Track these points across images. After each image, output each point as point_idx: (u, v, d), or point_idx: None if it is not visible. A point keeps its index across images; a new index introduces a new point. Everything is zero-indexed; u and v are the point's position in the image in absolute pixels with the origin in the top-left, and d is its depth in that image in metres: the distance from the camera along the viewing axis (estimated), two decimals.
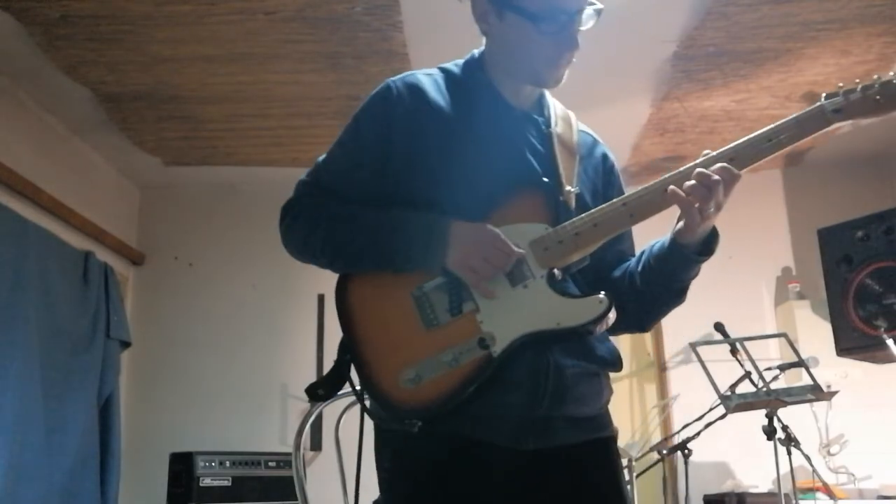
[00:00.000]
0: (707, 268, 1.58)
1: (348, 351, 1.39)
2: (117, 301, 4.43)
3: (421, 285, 1.37)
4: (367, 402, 1.43)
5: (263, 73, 3.69)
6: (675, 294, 1.46)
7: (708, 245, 1.39)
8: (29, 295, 3.61)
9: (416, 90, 1.47)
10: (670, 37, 3.50)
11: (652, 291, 1.45)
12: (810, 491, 3.80)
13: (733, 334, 3.56)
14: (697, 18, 3.36)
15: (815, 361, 3.59)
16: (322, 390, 1.41)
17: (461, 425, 1.34)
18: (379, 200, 1.43)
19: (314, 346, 4.66)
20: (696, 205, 1.31)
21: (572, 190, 1.44)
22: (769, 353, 4.15)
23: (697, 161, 1.36)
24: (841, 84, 1.31)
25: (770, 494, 3.94)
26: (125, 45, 3.44)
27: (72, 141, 4.31)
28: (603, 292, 1.34)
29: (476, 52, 1.55)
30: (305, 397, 1.45)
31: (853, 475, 4.32)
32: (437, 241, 1.35)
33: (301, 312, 4.74)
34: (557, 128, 1.52)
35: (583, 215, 1.37)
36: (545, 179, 1.42)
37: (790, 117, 1.32)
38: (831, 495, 3.73)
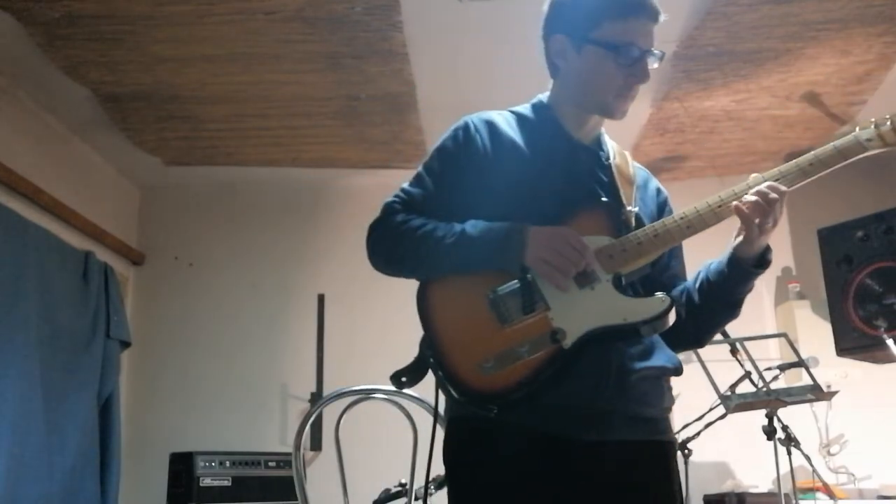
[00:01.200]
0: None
1: (430, 347, 1.52)
2: (117, 301, 4.43)
3: (495, 288, 1.51)
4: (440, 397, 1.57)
5: (263, 73, 3.69)
6: (731, 307, 1.63)
7: (763, 258, 1.56)
8: (29, 295, 3.61)
9: (490, 126, 1.66)
10: (670, 37, 3.50)
11: (709, 306, 1.61)
12: (810, 491, 3.80)
13: (733, 334, 3.56)
14: (697, 18, 3.36)
15: (815, 361, 3.59)
16: (406, 378, 1.55)
17: (528, 417, 1.46)
18: (455, 220, 1.58)
19: (314, 346, 4.66)
20: (757, 220, 1.49)
21: (632, 210, 1.61)
22: (769, 353, 4.15)
23: (748, 182, 1.53)
24: (872, 119, 1.49)
25: (770, 494, 3.94)
26: (125, 45, 3.44)
27: (72, 141, 4.31)
28: (662, 292, 1.51)
29: (541, 96, 1.74)
30: (305, 397, 1.51)
31: (853, 475, 4.32)
32: (516, 240, 1.50)
33: (301, 312, 4.74)
34: (616, 160, 1.70)
35: (644, 227, 1.56)
36: (604, 199, 1.60)
37: (829, 145, 1.51)
38: (831, 495, 3.73)
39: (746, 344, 3.44)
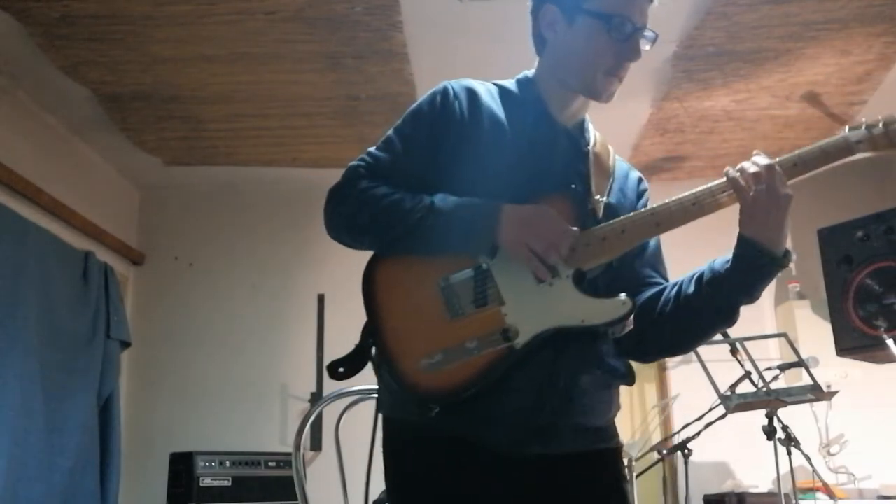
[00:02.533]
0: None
1: (371, 335, 1.43)
2: (117, 301, 4.43)
3: (448, 276, 1.41)
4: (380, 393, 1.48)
5: (263, 73, 3.69)
6: (727, 310, 1.43)
7: (780, 255, 1.39)
8: (29, 295, 3.61)
9: (471, 94, 1.54)
10: (670, 37, 3.50)
11: (704, 301, 1.42)
12: (810, 491, 3.80)
13: (733, 334, 3.56)
14: (697, 18, 3.36)
15: (815, 361, 3.58)
16: (343, 368, 1.44)
17: (467, 426, 1.36)
18: (423, 190, 1.46)
19: (314, 346, 4.66)
20: (744, 182, 1.35)
21: (601, 199, 1.50)
22: (769, 353, 4.15)
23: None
24: (864, 119, 1.38)
25: (770, 494, 3.94)
26: (125, 45, 3.44)
27: (72, 141, 4.31)
28: (625, 294, 1.38)
29: (528, 72, 1.63)
30: (305, 397, 1.48)
31: (853, 475, 4.33)
32: (489, 218, 1.38)
33: (301, 312, 4.74)
34: (595, 148, 1.59)
35: (611, 221, 1.43)
36: (572, 186, 1.48)
37: (815, 146, 1.39)
38: (831, 495, 3.73)
39: (746, 344, 3.44)
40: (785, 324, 4.55)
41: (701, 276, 1.44)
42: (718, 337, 3.62)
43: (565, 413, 1.39)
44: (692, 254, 1.88)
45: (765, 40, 3.52)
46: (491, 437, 1.36)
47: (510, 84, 1.61)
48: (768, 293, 4.76)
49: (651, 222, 1.41)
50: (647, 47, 1.53)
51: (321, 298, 4.71)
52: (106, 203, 4.64)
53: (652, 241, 1.57)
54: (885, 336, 3.26)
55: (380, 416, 1.51)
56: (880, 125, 1.36)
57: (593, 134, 1.63)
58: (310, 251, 4.90)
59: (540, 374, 1.36)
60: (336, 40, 3.43)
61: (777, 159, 1.39)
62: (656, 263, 1.59)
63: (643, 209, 1.45)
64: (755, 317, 4.63)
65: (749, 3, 3.24)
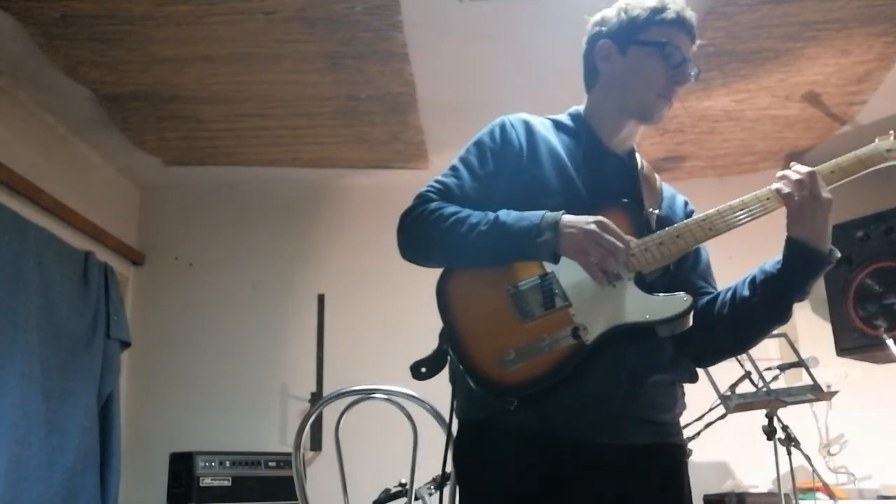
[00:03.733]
0: None
1: (449, 339, 1.52)
2: (117, 301, 4.43)
3: (515, 283, 1.53)
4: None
5: (263, 73, 3.69)
6: (781, 306, 1.55)
7: (827, 253, 1.52)
8: (29, 295, 3.61)
9: (527, 126, 1.69)
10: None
11: (758, 301, 1.55)
12: (810, 491, 3.80)
13: None
14: (697, 18, 3.35)
15: (815, 361, 3.59)
16: (425, 368, 1.55)
17: (540, 417, 1.47)
18: (487, 208, 1.58)
19: (314, 346, 4.66)
20: (787, 190, 1.50)
21: (653, 211, 1.65)
22: (769, 353, 4.14)
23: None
24: (892, 131, 1.56)
25: (770, 494, 3.94)
26: (125, 45, 3.44)
27: (72, 141, 4.31)
28: (684, 292, 1.51)
29: (578, 107, 1.78)
30: (305, 397, 1.52)
31: (853, 475, 4.32)
32: (550, 228, 1.49)
33: (301, 312, 4.74)
34: (643, 170, 1.74)
35: (667, 228, 1.57)
36: (625, 200, 1.61)
37: (851, 154, 1.57)
38: (831, 495, 3.73)
39: None
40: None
41: (754, 279, 1.57)
42: None
43: (631, 406, 1.49)
44: (734, 262, 1.98)
45: (765, 40, 3.52)
46: (562, 428, 1.47)
47: (562, 117, 1.76)
48: None
49: (704, 227, 1.54)
50: (692, 79, 1.68)
51: (321, 298, 4.71)
52: (106, 203, 4.64)
53: (703, 255, 1.73)
54: (885, 336, 3.27)
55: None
56: None
57: (641, 162, 1.77)
58: (310, 251, 4.90)
59: (608, 369, 1.47)
60: (336, 40, 3.43)
61: (816, 168, 1.54)
62: (707, 276, 1.73)
63: (696, 216, 1.58)
64: None
65: (749, 3, 3.24)
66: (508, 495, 1.48)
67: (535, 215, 1.52)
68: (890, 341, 3.22)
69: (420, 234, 1.61)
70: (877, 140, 1.56)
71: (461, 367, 1.49)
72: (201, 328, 4.80)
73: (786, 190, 1.50)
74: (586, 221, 1.49)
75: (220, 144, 4.48)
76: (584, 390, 1.45)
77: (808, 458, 3.40)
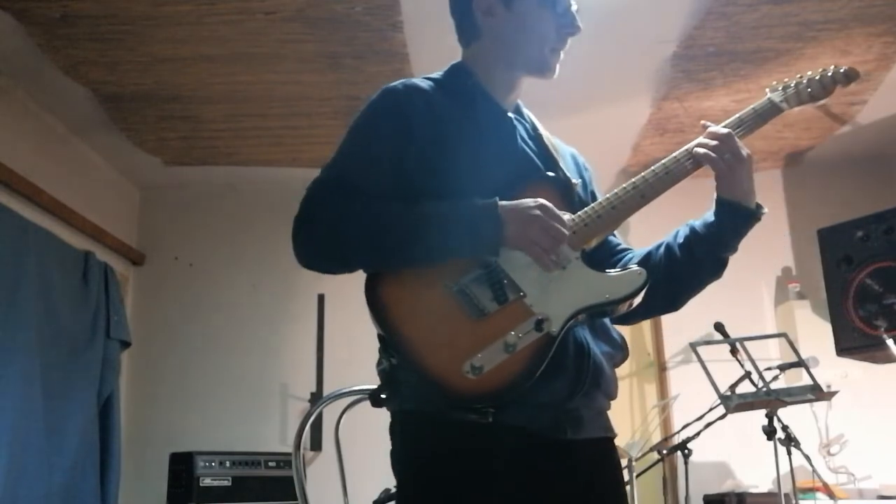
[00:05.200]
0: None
1: (398, 354, 1.36)
2: (117, 301, 4.43)
3: (457, 279, 1.37)
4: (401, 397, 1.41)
5: (263, 73, 3.69)
6: (717, 263, 1.53)
7: (755, 209, 1.51)
8: (29, 295, 3.61)
9: (419, 91, 1.52)
10: (670, 37, 3.50)
11: (694, 261, 1.52)
12: (810, 491, 3.80)
13: (733, 334, 3.56)
14: (697, 18, 3.36)
15: (815, 361, 3.59)
16: (384, 393, 1.42)
17: (507, 415, 1.35)
18: (397, 198, 1.42)
19: (314, 346, 4.66)
20: (714, 154, 1.48)
21: (576, 181, 1.55)
22: (769, 353, 4.15)
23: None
24: (775, 82, 1.65)
25: (770, 494, 3.94)
26: (125, 45, 3.43)
27: (72, 141, 4.31)
28: (636, 265, 1.46)
29: (456, 61, 1.65)
30: (305, 397, 1.47)
31: (853, 475, 4.32)
32: (490, 220, 1.36)
33: (301, 312, 4.74)
34: (541, 130, 1.63)
35: (600, 200, 1.48)
36: (550, 174, 1.51)
37: (749, 108, 1.62)
38: (831, 495, 3.73)
39: (746, 344, 3.45)
40: (785, 324, 4.55)
41: (687, 242, 1.53)
42: (718, 337, 3.64)
43: (592, 395, 1.43)
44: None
45: (765, 40, 3.52)
46: (533, 424, 1.37)
47: (444, 77, 1.61)
48: (768, 293, 4.77)
49: (636, 195, 1.47)
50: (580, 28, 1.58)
51: (321, 298, 4.71)
52: (106, 203, 4.64)
53: None
54: (885, 336, 3.27)
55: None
56: (792, 84, 1.64)
57: (531, 116, 1.66)
58: None
59: (572, 357, 1.38)
60: (336, 40, 3.43)
61: (723, 124, 1.57)
62: (615, 234, 1.67)
63: (626, 184, 1.49)
64: (755, 317, 4.63)
65: (749, 3, 3.24)
66: (471, 496, 1.34)
67: (468, 207, 1.37)
68: (890, 341, 3.22)
69: (328, 241, 1.42)
70: (767, 91, 1.63)
71: (420, 382, 1.33)
72: (201, 328, 4.80)
73: (712, 155, 1.48)
74: (528, 207, 1.36)
75: (220, 144, 4.48)
76: (553, 384, 1.35)
77: (808, 458, 3.40)
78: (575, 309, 1.36)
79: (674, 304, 1.59)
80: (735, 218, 1.49)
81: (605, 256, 1.58)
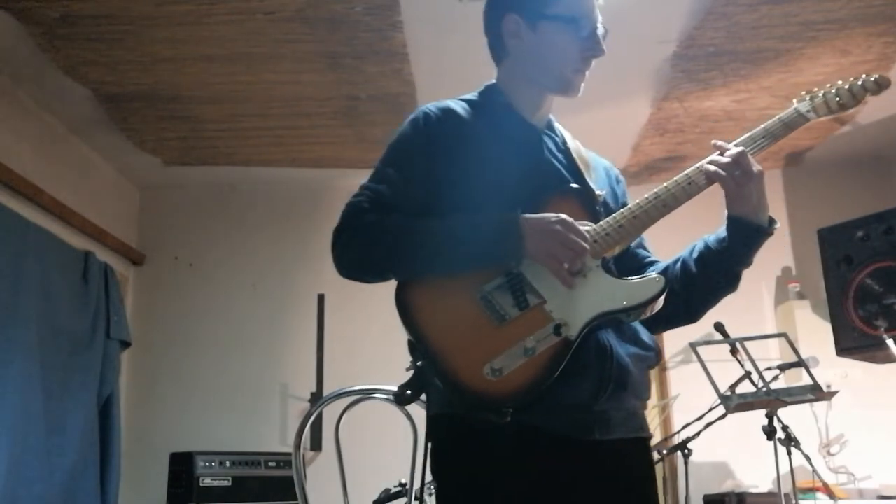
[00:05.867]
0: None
1: (424, 356, 1.44)
2: (117, 301, 4.43)
3: (482, 286, 1.45)
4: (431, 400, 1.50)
5: (263, 73, 3.69)
6: (731, 278, 1.58)
7: (765, 224, 1.53)
8: (29, 295, 3.61)
9: (449, 112, 1.61)
10: (670, 37, 3.50)
11: (709, 276, 1.57)
12: (810, 491, 3.80)
13: (733, 334, 3.56)
14: (697, 18, 3.36)
15: (815, 361, 3.59)
16: (410, 391, 1.47)
17: (531, 416, 1.40)
18: (428, 214, 1.52)
19: (314, 346, 4.66)
20: (724, 172, 1.50)
21: (601, 192, 1.60)
22: (769, 353, 4.15)
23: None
24: (803, 91, 1.63)
25: (770, 494, 3.94)
26: (125, 45, 3.44)
27: (72, 141, 4.31)
28: (654, 272, 1.51)
29: (489, 82, 1.71)
30: (305, 397, 1.49)
31: (853, 475, 4.33)
32: (512, 234, 1.43)
33: (301, 312, 4.74)
34: (571, 143, 1.69)
35: (622, 210, 1.53)
36: (574, 185, 1.57)
37: (775, 119, 1.61)
38: (831, 495, 3.73)
39: (746, 344, 3.44)
40: (785, 324, 4.55)
41: (701, 257, 1.58)
42: (718, 337, 3.64)
43: (620, 397, 1.47)
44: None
45: (765, 40, 3.52)
46: (558, 425, 1.42)
47: (476, 97, 1.69)
48: (768, 293, 4.77)
49: (658, 204, 1.51)
50: (605, 51, 1.63)
51: (321, 298, 4.71)
52: (106, 203, 4.64)
53: None
54: (885, 336, 3.27)
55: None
56: (820, 94, 1.62)
57: (562, 130, 1.72)
58: (310, 251, 4.89)
59: (594, 360, 1.44)
60: (336, 40, 3.43)
61: (746, 136, 1.57)
62: (647, 245, 1.73)
63: (648, 194, 1.52)
64: (755, 317, 4.63)
65: (749, 3, 3.24)
66: (497, 495, 1.42)
67: (491, 221, 1.45)
68: (890, 341, 3.21)
69: (365, 252, 1.51)
70: (794, 101, 1.63)
71: (443, 384, 1.41)
72: (201, 328, 4.80)
73: (721, 173, 1.49)
74: (549, 222, 1.43)
75: (220, 144, 4.48)
76: (574, 386, 1.41)
77: (808, 458, 3.40)
78: (593, 315, 1.42)
79: (692, 316, 1.65)
80: (745, 234, 1.52)
81: (633, 267, 1.63)
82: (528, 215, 1.44)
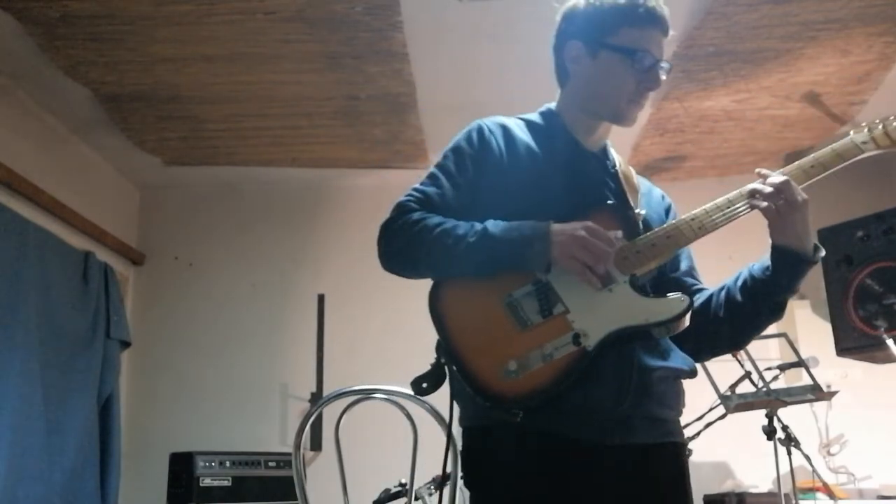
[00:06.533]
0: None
1: (446, 352, 1.51)
2: (117, 301, 4.43)
3: (511, 292, 1.51)
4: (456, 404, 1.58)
5: (263, 73, 3.69)
6: (776, 307, 1.59)
7: (809, 252, 1.53)
8: (29, 295, 3.62)
9: (504, 129, 1.68)
10: (670, 37, 3.50)
11: (753, 305, 1.59)
12: (810, 491, 3.80)
13: None
14: (697, 18, 3.36)
15: (815, 361, 3.58)
16: (427, 384, 1.54)
17: (551, 422, 1.46)
18: (470, 219, 1.57)
19: (314, 346, 4.66)
20: (764, 203, 1.50)
21: (640, 212, 1.63)
22: (769, 353, 4.14)
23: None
24: (865, 123, 1.58)
25: (770, 494, 3.94)
26: (125, 45, 3.44)
27: (72, 141, 4.31)
28: (680, 292, 1.51)
29: (551, 105, 1.77)
30: (305, 397, 1.52)
31: (853, 475, 4.32)
32: (542, 237, 1.48)
33: (301, 312, 4.74)
34: (621, 167, 1.74)
35: (656, 229, 1.57)
36: (611, 202, 1.61)
37: (828, 148, 1.57)
38: (831, 495, 3.73)
39: None
40: (785, 324, 4.55)
41: (745, 284, 1.60)
42: None
43: (640, 405, 1.49)
44: (734, 261, 1.95)
45: (765, 40, 3.52)
46: (573, 431, 1.46)
47: (535, 117, 1.74)
48: None
49: (693, 226, 1.54)
50: (664, 77, 1.66)
51: (321, 298, 4.71)
52: (106, 203, 4.64)
53: (688, 251, 1.74)
54: (885, 336, 3.26)
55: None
56: (880, 126, 1.57)
57: (616, 156, 1.76)
58: (310, 251, 4.90)
59: (615, 370, 1.47)
60: (336, 40, 3.43)
61: (797, 164, 1.55)
62: (695, 273, 1.76)
63: (684, 216, 1.56)
64: None
65: (749, 3, 3.24)
66: (521, 499, 1.47)
67: (523, 226, 1.50)
68: (890, 341, 3.21)
69: (405, 246, 1.58)
70: (851, 133, 1.59)
71: (463, 380, 1.47)
72: (201, 328, 4.80)
73: (763, 204, 1.50)
74: (574, 228, 1.48)
75: (220, 144, 4.48)
76: (594, 393, 1.45)
77: (808, 458, 3.40)
78: (613, 328, 1.45)
79: (737, 344, 1.69)
80: (789, 263, 1.53)
81: (677, 291, 1.61)
82: (558, 224, 1.49)
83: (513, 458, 1.49)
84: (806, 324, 4.44)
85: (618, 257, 1.51)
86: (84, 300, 4.13)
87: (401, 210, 1.61)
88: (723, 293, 1.63)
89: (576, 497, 1.46)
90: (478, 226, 1.53)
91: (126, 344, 4.54)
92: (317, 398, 4.52)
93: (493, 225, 1.52)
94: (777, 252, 1.54)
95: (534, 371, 1.43)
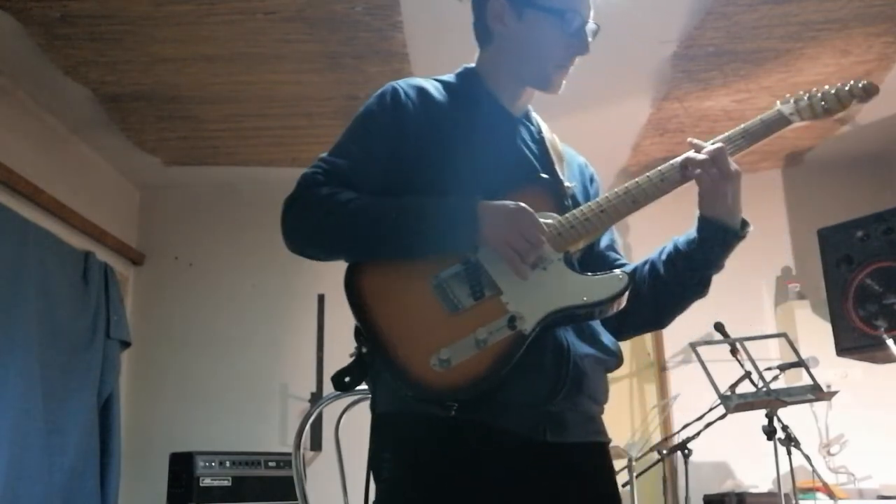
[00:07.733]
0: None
1: (369, 341, 1.36)
2: (117, 301, 4.44)
3: (437, 273, 1.37)
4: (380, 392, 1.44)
5: (263, 73, 3.69)
6: (700, 283, 1.50)
7: (741, 228, 1.45)
8: (29, 295, 3.62)
9: (421, 92, 1.53)
10: (670, 37, 3.50)
11: (677, 280, 1.49)
12: (810, 491, 3.80)
13: (733, 334, 3.56)
14: (697, 18, 3.36)
15: (815, 361, 3.60)
16: (349, 378, 1.40)
17: (484, 413, 1.33)
18: (386, 193, 1.43)
19: (314, 346, 4.66)
20: (698, 170, 1.42)
21: (569, 184, 1.53)
22: (769, 353, 4.15)
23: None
24: (788, 94, 1.52)
25: (770, 494, 3.94)
26: (125, 45, 3.44)
27: (72, 141, 4.31)
28: (618, 270, 1.42)
29: (469, 64, 1.64)
30: (305, 397, 1.47)
31: (853, 475, 4.33)
32: (467, 219, 1.35)
33: (301, 312, 4.74)
34: (546, 135, 1.61)
35: (589, 203, 1.45)
36: (544, 175, 1.49)
37: (756, 119, 1.49)
38: (831, 495, 3.73)
39: (746, 344, 3.45)
40: (785, 324, 4.55)
41: (671, 259, 1.50)
42: (718, 337, 3.64)
43: (574, 399, 1.39)
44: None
45: (765, 40, 3.52)
46: (509, 424, 1.35)
47: (453, 79, 1.62)
48: (768, 293, 4.77)
49: (627, 200, 1.44)
50: (590, 39, 1.54)
51: (321, 298, 4.71)
52: (106, 203, 4.64)
53: (613, 227, 1.59)
54: (885, 336, 3.27)
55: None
56: (805, 97, 1.50)
57: (539, 121, 1.65)
58: None
59: (551, 358, 1.36)
60: (336, 40, 3.43)
61: (724, 135, 1.47)
62: (618, 247, 1.66)
63: (616, 188, 1.46)
64: (755, 317, 4.63)
65: (749, 3, 3.24)
66: (439, 495, 1.34)
67: (447, 204, 1.38)
68: (890, 341, 3.22)
69: (313, 225, 1.45)
70: (778, 103, 1.53)
71: (389, 373, 1.33)
72: (201, 328, 4.80)
73: (696, 171, 1.41)
74: (507, 210, 1.35)
75: (220, 144, 4.48)
76: (530, 383, 1.34)
77: (808, 458, 3.40)
78: (550, 309, 1.34)
79: (660, 321, 1.57)
80: (717, 236, 1.44)
81: (601, 268, 1.53)
82: (486, 202, 1.36)
83: (434, 448, 1.35)
84: (806, 324, 4.44)
85: (552, 234, 1.40)
86: (84, 300, 4.14)
87: (307, 184, 1.46)
88: (646, 267, 1.53)
89: (501, 494, 1.34)
90: (395, 202, 1.39)
91: (126, 344, 4.54)
92: (317, 398, 4.52)
93: (412, 201, 1.39)
94: (705, 224, 1.44)
95: (466, 360, 1.30)
